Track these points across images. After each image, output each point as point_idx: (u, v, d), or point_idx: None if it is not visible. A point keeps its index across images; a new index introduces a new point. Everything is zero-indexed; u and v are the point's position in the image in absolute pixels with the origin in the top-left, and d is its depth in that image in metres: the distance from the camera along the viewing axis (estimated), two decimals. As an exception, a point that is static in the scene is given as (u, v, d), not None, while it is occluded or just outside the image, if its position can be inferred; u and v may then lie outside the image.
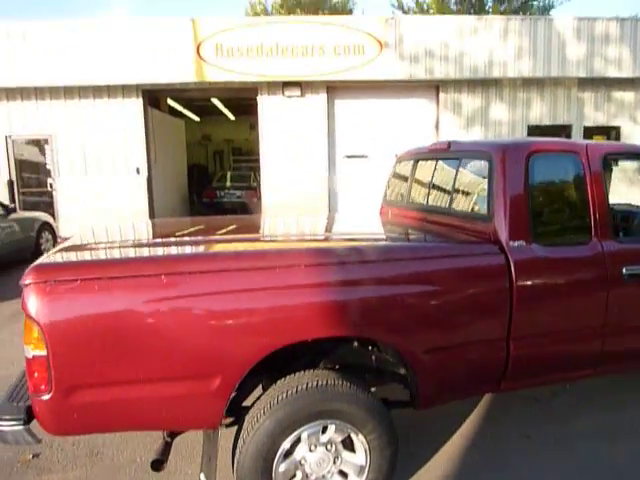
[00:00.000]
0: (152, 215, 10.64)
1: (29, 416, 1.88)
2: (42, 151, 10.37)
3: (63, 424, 1.85)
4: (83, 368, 1.81)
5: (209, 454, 2.12)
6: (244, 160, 17.88)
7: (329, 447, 2.11)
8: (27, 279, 1.79)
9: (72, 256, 2.13)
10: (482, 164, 2.54)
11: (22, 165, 10.42)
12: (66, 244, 2.38)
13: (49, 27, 9.47)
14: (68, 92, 10.04)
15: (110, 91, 10.10)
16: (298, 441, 2.06)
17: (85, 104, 10.12)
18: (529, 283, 2.32)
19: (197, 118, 17.46)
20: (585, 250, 2.45)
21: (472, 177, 2.67)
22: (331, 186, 10.66)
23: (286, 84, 10.06)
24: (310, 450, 2.09)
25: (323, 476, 2.13)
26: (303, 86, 10.11)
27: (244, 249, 2.31)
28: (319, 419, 2.04)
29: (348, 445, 2.15)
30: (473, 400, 3.26)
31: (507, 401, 3.26)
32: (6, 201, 10.11)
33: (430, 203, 3.03)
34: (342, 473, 2.17)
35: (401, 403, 2.41)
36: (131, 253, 2.31)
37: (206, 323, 1.89)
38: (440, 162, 3.00)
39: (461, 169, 2.76)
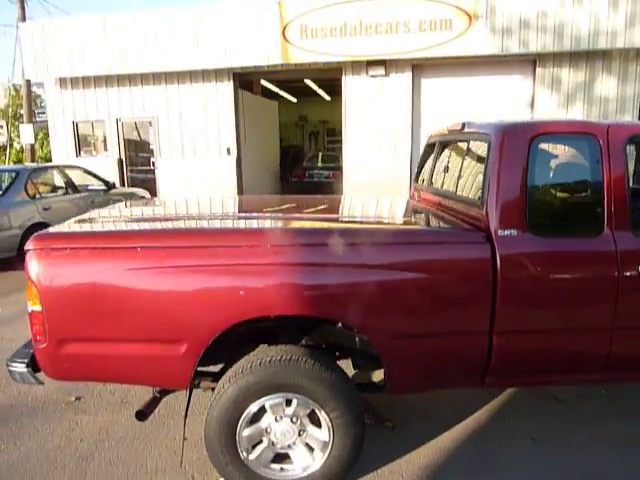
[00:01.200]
0: (240, 193, 11.26)
1: (34, 361, 2.21)
2: (147, 133, 11.42)
3: (56, 370, 2.16)
4: (70, 324, 2.09)
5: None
6: (337, 141, 18.00)
7: (294, 420, 2.20)
8: (29, 245, 2.10)
9: (73, 227, 2.42)
10: (484, 146, 2.39)
11: (130, 145, 11.57)
12: (84, 216, 2.70)
13: (152, 16, 10.29)
14: (169, 77, 10.89)
15: (205, 75, 10.76)
16: (264, 410, 2.18)
17: (183, 89, 10.91)
18: (518, 276, 2.17)
19: (294, 99, 17.90)
20: (593, 244, 2.21)
21: (476, 161, 2.53)
22: (414, 168, 10.42)
23: (370, 63, 9.95)
24: (276, 420, 2.20)
25: (289, 446, 2.23)
26: (387, 65, 9.92)
27: (216, 227, 2.45)
28: (280, 391, 2.13)
29: (315, 420, 2.23)
30: (488, 394, 3.12)
31: (524, 399, 3.08)
32: (116, 177, 11.37)
33: (444, 188, 2.91)
34: (309, 446, 2.25)
35: (374, 386, 2.41)
36: (121, 226, 2.54)
37: (174, 293, 2.06)
38: (456, 144, 2.86)
39: (470, 152, 2.62)
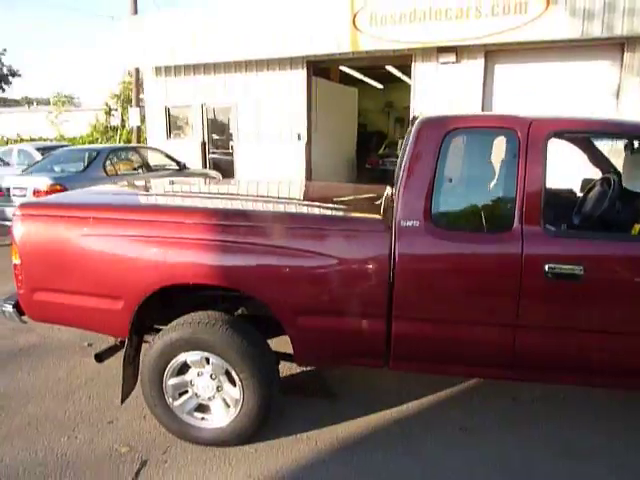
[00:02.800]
0: (308, 179, 11.66)
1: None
2: (227, 118, 12.22)
3: (31, 312, 2.68)
4: (39, 276, 2.59)
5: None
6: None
7: (213, 376, 2.52)
8: (15, 211, 2.62)
9: (50, 198, 2.93)
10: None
11: (212, 129, 12.46)
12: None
13: (233, 10, 10.94)
14: (248, 66, 11.53)
15: (280, 63, 11.23)
16: (188, 365, 2.52)
17: (260, 76, 11.49)
18: (416, 267, 2.26)
19: (380, 85, 17.85)
20: (499, 240, 2.23)
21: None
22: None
23: (440, 50, 9.72)
24: (198, 375, 2.53)
25: (209, 398, 2.56)
26: (458, 51, 9.62)
27: (155, 204, 2.81)
28: (198, 349, 2.45)
29: (232, 379, 2.52)
30: (448, 384, 3.18)
31: (480, 394, 3.10)
32: (199, 159, 12.35)
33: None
34: (225, 402, 2.56)
35: (289, 356, 2.62)
36: (87, 199, 2.97)
37: (116, 257, 2.46)
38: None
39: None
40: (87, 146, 9.90)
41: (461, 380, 3.21)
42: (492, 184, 2.28)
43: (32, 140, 18.45)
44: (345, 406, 2.97)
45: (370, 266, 2.27)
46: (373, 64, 12.60)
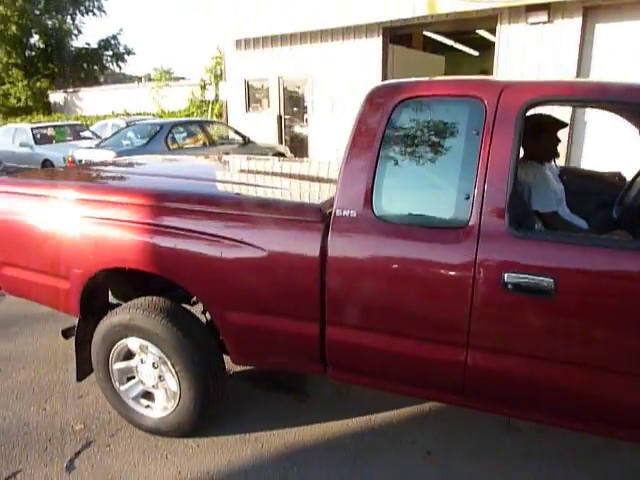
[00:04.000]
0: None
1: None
2: (303, 90, 12.03)
3: (3, 286, 2.76)
4: (3, 251, 2.63)
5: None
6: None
7: (155, 365, 2.40)
8: (-12, 187, 2.68)
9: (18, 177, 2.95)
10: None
11: (288, 102, 12.36)
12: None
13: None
14: (324, 35, 11.17)
15: (356, 32, 10.73)
16: (132, 352, 2.43)
17: (335, 46, 11.10)
18: (348, 266, 1.91)
19: (475, 52, 16.50)
20: (449, 237, 1.79)
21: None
22: (575, 135, 8.87)
23: (530, 8, 8.59)
24: (142, 362, 2.44)
25: (153, 387, 2.46)
26: (551, 9, 8.44)
27: (109, 183, 2.69)
28: (136, 336, 2.34)
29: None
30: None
31: (466, 415, 2.67)
32: (275, 132, 12.38)
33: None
34: (167, 392, 2.44)
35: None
36: (52, 177, 2.93)
37: (63, 237, 2.41)
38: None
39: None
40: (156, 120, 10.30)
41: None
42: (450, 168, 1.83)
43: (137, 115, 19.78)
44: (311, 408, 2.72)
45: (301, 262, 1.97)
46: (455, 28, 11.60)
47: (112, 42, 32.40)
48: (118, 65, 33.68)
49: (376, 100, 1.91)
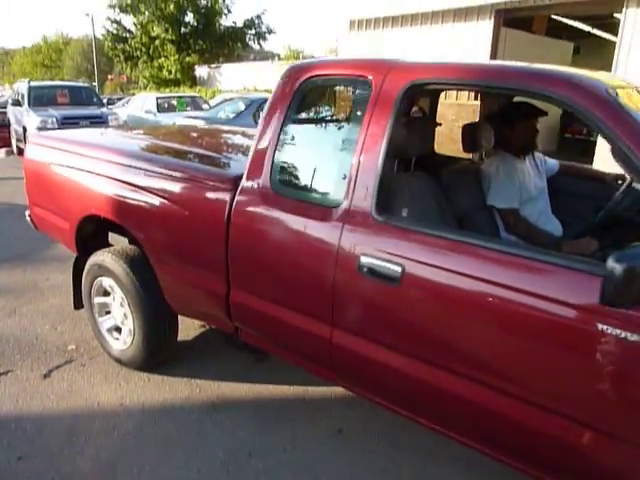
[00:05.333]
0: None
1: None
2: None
3: (35, 223, 3.32)
4: (33, 193, 3.18)
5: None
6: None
7: (122, 304, 2.76)
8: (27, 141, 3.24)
9: (49, 132, 3.44)
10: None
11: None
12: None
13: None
14: (435, 17, 10.80)
15: (467, 14, 10.21)
16: (107, 290, 2.82)
17: (444, 29, 10.68)
18: (244, 234, 2.04)
19: (614, 39, 14.62)
20: (324, 215, 1.82)
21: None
22: None
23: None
24: (113, 300, 2.82)
25: (122, 323, 2.83)
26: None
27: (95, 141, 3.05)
28: (107, 276, 2.72)
29: (135, 310, 2.73)
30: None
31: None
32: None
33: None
34: (128, 329, 2.79)
35: None
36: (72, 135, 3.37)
37: (67, 184, 2.85)
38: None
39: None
40: (250, 95, 10.81)
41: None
42: (336, 147, 1.83)
43: (265, 91, 20.95)
44: (262, 369, 2.89)
45: (212, 223, 2.14)
46: (587, 11, 10.44)
47: (256, 21, 34.38)
48: (259, 44, 35.66)
49: (285, 79, 1.98)
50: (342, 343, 1.84)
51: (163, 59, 30.49)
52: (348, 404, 2.57)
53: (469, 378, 1.56)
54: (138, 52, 30.75)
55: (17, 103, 9.81)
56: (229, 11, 34.75)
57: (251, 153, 2.07)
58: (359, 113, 1.76)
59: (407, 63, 1.78)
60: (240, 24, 33.85)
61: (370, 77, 1.75)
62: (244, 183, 2.06)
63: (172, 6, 28.95)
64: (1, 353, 3.02)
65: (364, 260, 1.68)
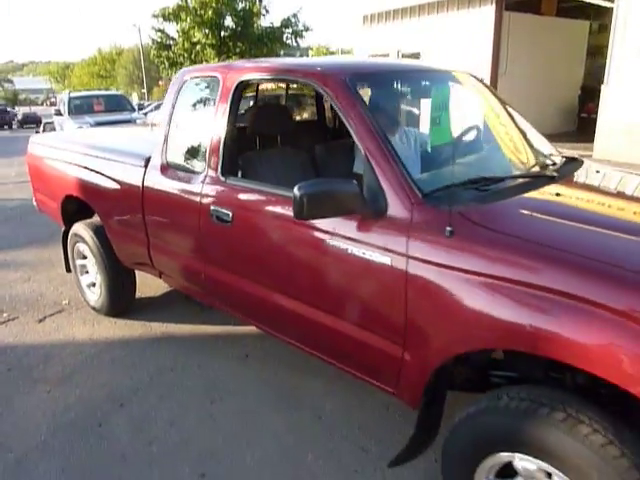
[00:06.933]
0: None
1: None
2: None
3: (38, 206, 4.18)
4: (34, 182, 4.04)
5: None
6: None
7: (94, 264, 3.55)
8: (30, 141, 4.10)
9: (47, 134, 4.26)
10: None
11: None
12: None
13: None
14: (440, 5, 11.10)
15: (470, 0, 10.45)
16: (84, 254, 3.62)
17: (449, 17, 10.96)
18: (150, 199, 2.77)
19: None
20: (193, 179, 2.49)
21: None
22: None
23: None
24: (89, 261, 3.61)
25: (95, 279, 3.62)
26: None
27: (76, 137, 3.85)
28: (81, 242, 3.51)
29: (103, 269, 3.51)
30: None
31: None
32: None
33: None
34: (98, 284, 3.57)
35: None
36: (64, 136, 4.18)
37: (54, 173, 3.68)
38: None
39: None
40: None
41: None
42: (201, 128, 2.48)
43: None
44: (205, 315, 3.59)
45: (134, 192, 2.86)
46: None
47: (292, 20, 35.25)
48: (296, 42, 36.49)
49: (174, 79, 2.67)
50: (210, 273, 2.52)
51: (204, 63, 31.96)
52: (256, 336, 3.21)
53: (286, 293, 2.17)
54: (181, 58, 32.28)
55: (59, 113, 11.07)
56: (267, 11, 35.90)
57: (157, 138, 2.77)
58: (213, 103, 2.42)
59: (240, 65, 2.42)
60: (277, 24, 34.90)
61: (219, 76, 2.41)
62: (152, 161, 2.77)
63: (210, 12, 30.30)
64: (13, 307, 3.90)
65: (213, 209, 2.35)
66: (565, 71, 12.26)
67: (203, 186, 2.41)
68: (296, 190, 1.68)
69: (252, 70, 2.37)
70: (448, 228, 1.55)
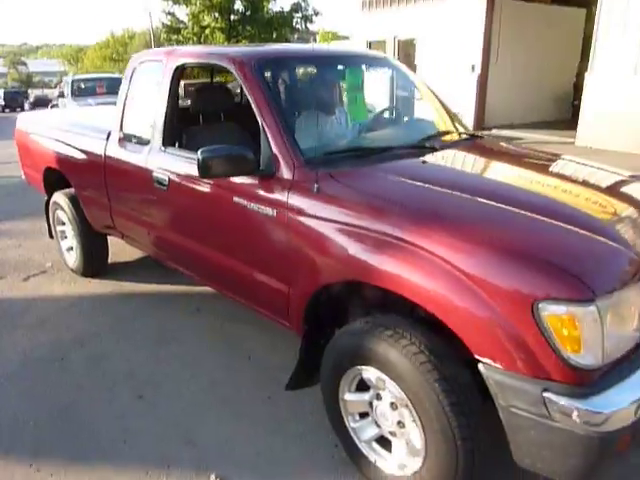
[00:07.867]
0: (481, 115, 11.01)
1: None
2: (413, 52, 12.34)
3: (27, 179, 4.60)
4: (22, 158, 4.46)
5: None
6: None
7: (72, 229, 3.96)
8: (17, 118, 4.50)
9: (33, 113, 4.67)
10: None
11: (404, 63, 12.79)
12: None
13: None
14: (434, -7, 11.26)
15: (462, -12, 10.59)
16: (63, 221, 4.04)
17: (445, 4, 11.11)
18: (109, 167, 3.17)
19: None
20: (141, 150, 2.87)
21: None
22: None
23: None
24: (67, 226, 4.03)
25: (72, 242, 4.03)
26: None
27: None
28: (60, 210, 3.92)
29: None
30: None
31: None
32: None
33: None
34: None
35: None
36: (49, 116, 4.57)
37: (37, 149, 4.08)
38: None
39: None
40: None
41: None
42: (150, 105, 2.85)
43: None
44: (169, 276, 3.98)
45: (97, 161, 3.25)
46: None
47: (302, 4, 35.22)
48: (306, 26, 36.45)
49: (130, 61, 3.05)
50: (157, 233, 2.92)
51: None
52: (206, 294, 3.60)
53: (207, 244, 2.56)
54: (190, 42, 32.55)
55: (61, 95, 11.51)
56: (278, -4, 35.83)
57: (117, 113, 3.16)
58: (157, 84, 2.79)
59: (180, 51, 2.79)
60: (287, 8, 34.90)
61: (162, 60, 2.78)
62: (112, 135, 3.16)
63: (219, -5, 30.42)
64: (2, 268, 4.35)
65: (154, 175, 2.73)
66: (560, 59, 12.35)
67: (148, 156, 2.79)
68: (199, 153, 2.04)
69: (187, 55, 2.75)
70: (315, 185, 1.91)
